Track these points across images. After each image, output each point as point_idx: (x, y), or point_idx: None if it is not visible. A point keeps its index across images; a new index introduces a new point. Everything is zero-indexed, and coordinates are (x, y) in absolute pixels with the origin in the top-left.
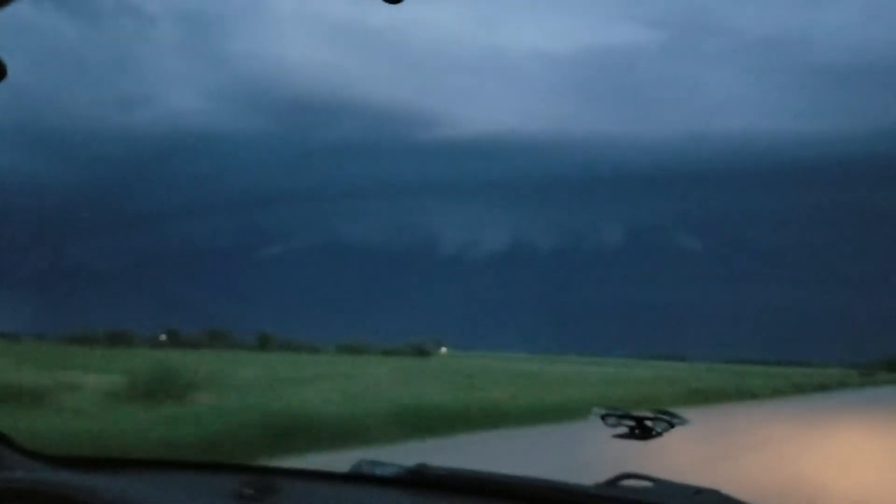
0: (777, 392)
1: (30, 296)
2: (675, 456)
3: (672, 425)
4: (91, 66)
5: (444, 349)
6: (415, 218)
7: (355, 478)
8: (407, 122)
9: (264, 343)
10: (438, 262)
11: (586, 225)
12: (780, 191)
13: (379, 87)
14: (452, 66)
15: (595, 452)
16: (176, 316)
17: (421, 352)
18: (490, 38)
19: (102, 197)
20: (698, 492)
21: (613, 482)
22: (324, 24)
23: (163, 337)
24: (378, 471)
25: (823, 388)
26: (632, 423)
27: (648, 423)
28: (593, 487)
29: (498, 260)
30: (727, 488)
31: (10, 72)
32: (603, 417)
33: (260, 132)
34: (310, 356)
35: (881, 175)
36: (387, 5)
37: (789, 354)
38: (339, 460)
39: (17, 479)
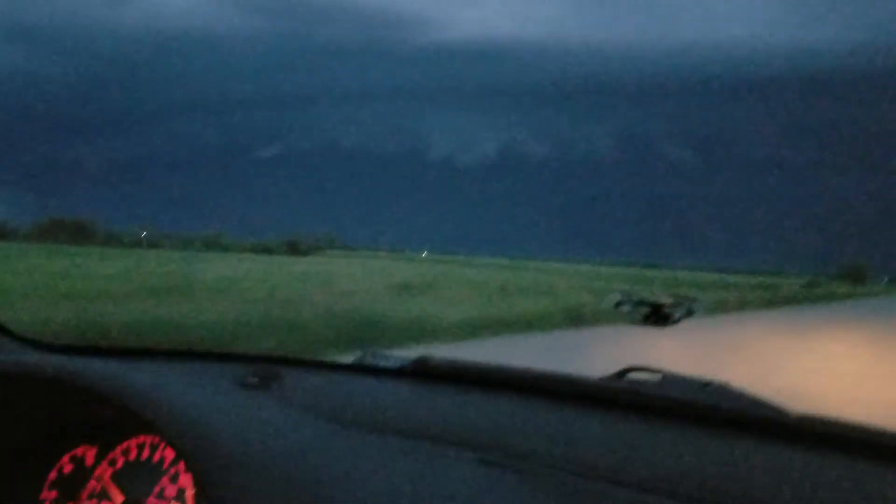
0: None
1: (21, 192)
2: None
3: (691, 311)
4: None
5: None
6: (408, 123)
7: (358, 368)
8: (401, 26)
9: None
10: (429, 167)
11: (579, 134)
12: (772, 102)
13: None
14: None
15: None
16: (167, 213)
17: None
18: None
19: (95, 94)
20: (707, 384)
21: (620, 374)
22: None
23: (143, 234)
24: (381, 362)
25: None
26: (647, 310)
27: (666, 309)
28: (599, 379)
29: (488, 166)
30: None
31: None
32: (617, 304)
33: (254, 32)
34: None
35: (878, 90)
36: None
37: (763, 264)
38: None
39: (3, 363)
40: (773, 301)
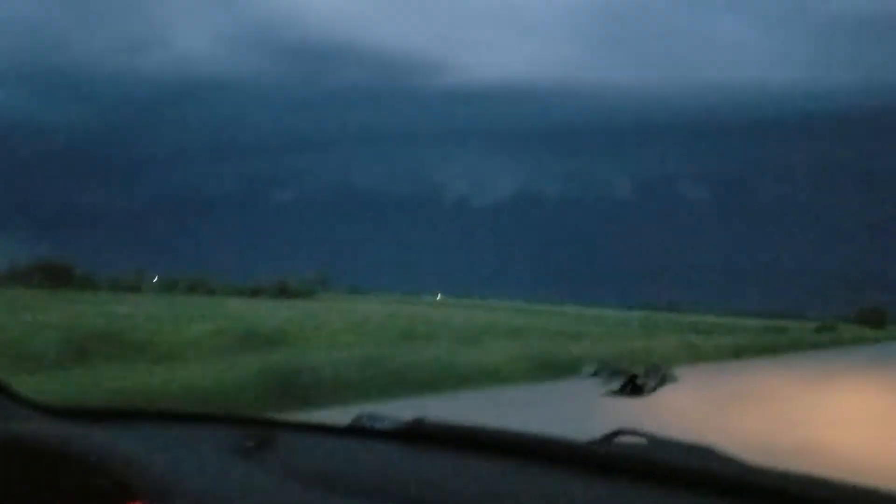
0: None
1: (41, 236)
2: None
3: (664, 381)
4: (102, 8)
5: (438, 296)
6: (423, 165)
7: (354, 431)
8: (417, 69)
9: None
10: (444, 209)
11: (594, 174)
12: (788, 142)
13: (390, 32)
14: (463, 12)
15: None
16: (180, 259)
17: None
18: None
19: (114, 140)
20: (692, 448)
21: (608, 438)
22: None
23: (154, 279)
24: (377, 424)
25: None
26: (623, 380)
27: (640, 380)
28: (588, 443)
29: (503, 207)
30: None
31: (20, 11)
32: (594, 374)
33: (271, 77)
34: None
35: (888, 130)
36: None
37: (786, 306)
38: None
39: (6, 430)
40: (780, 346)
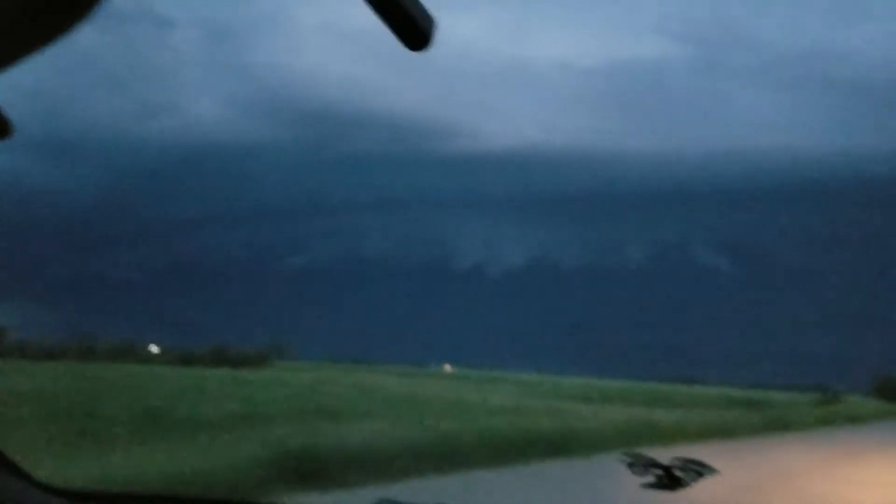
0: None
1: (51, 305)
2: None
3: (701, 475)
4: (113, 73)
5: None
6: (434, 232)
7: None
8: (429, 135)
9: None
10: (456, 278)
11: (609, 242)
12: (807, 210)
13: (402, 98)
14: (477, 78)
15: None
16: (186, 330)
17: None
18: (515, 49)
19: (125, 206)
20: None
21: None
22: (346, 34)
23: (155, 349)
24: None
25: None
26: (660, 472)
27: (677, 472)
28: None
29: (516, 276)
30: None
31: (32, 79)
32: (629, 465)
33: (282, 143)
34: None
35: None
36: None
37: (812, 378)
38: None
39: None
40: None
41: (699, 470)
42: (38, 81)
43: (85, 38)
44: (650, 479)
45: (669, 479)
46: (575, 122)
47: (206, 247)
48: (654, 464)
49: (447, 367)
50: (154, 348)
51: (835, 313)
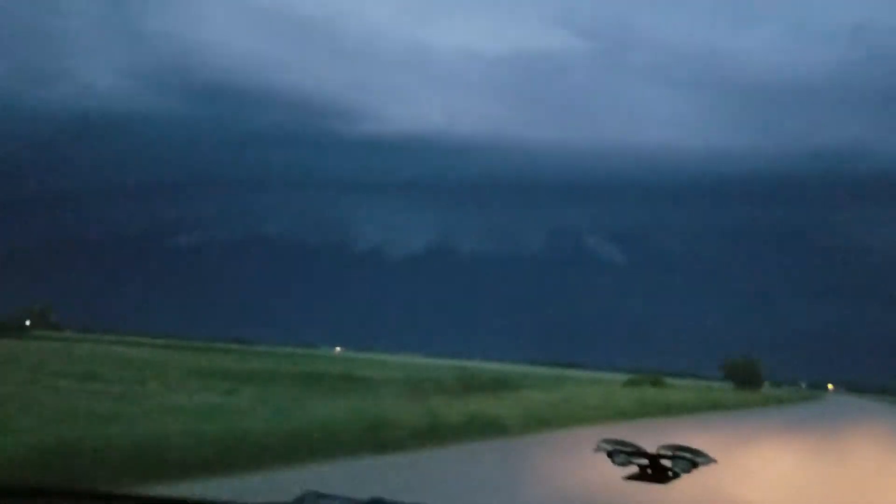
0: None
1: None
2: None
3: (695, 464)
4: (2, 37)
5: (337, 349)
6: (335, 213)
7: None
8: (332, 115)
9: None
10: (354, 260)
11: (508, 229)
12: (696, 205)
13: (304, 77)
14: (381, 61)
15: None
16: (71, 303)
17: None
18: (421, 34)
19: (10, 176)
20: None
21: None
22: (250, 10)
23: (27, 322)
24: None
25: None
26: (644, 462)
27: (665, 461)
28: None
29: (415, 260)
30: None
31: None
32: (610, 454)
33: (179, 116)
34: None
35: (791, 194)
36: None
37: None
38: None
39: None
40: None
41: (693, 458)
42: None
43: None
44: (633, 469)
45: (655, 470)
46: (478, 110)
47: (90, 220)
48: (638, 452)
49: (338, 350)
50: None
51: (717, 300)
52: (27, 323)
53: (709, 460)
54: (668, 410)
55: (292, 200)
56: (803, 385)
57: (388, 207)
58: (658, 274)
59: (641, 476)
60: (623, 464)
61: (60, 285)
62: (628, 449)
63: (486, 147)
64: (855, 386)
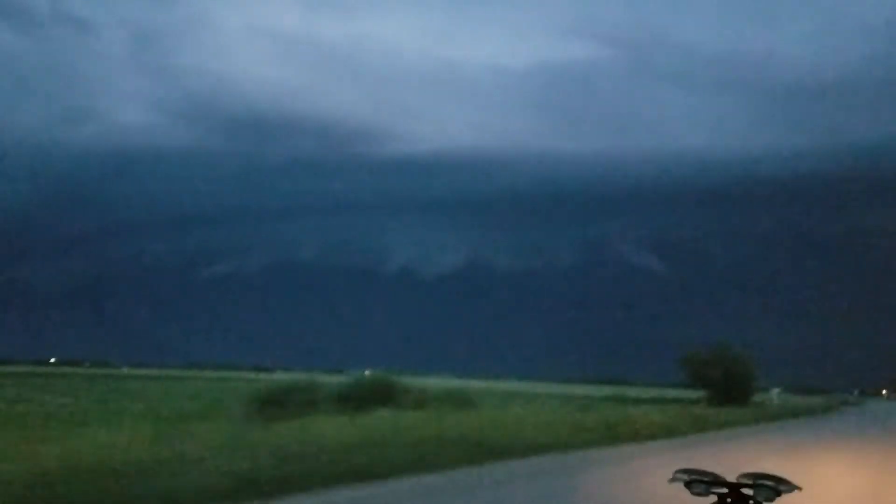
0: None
1: None
2: None
3: (778, 492)
4: (33, 78)
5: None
6: (365, 236)
7: None
8: (359, 139)
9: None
10: (387, 281)
11: (542, 244)
12: (732, 209)
13: (330, 102)
14: (405, 81)
15: None
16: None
17: None
18: (443, 52)
19: (46, 215)
20: None
21: None
22: (273, 38)
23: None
24: None
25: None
26: (723, 491)
27: (747, 490)
28: None
29: (449, 279)
30: None
31: None
32: (688, 484)
33: (209, 149)
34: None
35: (828, 196)
36: (339, 19)
37: None
38: None
39: None
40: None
41: (776, 487)
42: None
43: (1, 40)
44: (712, 499)
45: (736, 500)
46: (504, 124)
47: (129, 255)
48: (717, 480)
49: (367, 373)
50: None
51: (763, 307)
52: None
53: (792, 487)
54: None
55: (322, 226)
56: (855, 392)
57: (418, 227)
58: (700, 282)
59: None
60: (702, 493)
61: (104, 322)
62: (707, 478)
63: (515, 161)
64: None
